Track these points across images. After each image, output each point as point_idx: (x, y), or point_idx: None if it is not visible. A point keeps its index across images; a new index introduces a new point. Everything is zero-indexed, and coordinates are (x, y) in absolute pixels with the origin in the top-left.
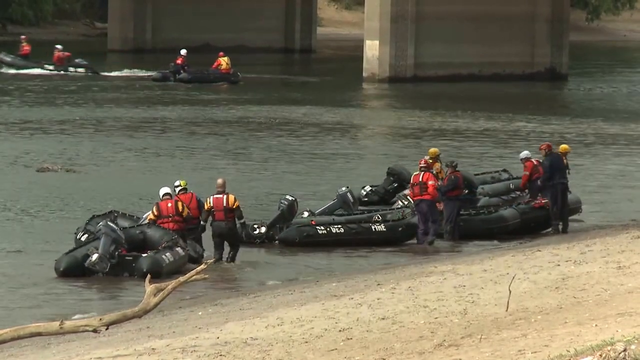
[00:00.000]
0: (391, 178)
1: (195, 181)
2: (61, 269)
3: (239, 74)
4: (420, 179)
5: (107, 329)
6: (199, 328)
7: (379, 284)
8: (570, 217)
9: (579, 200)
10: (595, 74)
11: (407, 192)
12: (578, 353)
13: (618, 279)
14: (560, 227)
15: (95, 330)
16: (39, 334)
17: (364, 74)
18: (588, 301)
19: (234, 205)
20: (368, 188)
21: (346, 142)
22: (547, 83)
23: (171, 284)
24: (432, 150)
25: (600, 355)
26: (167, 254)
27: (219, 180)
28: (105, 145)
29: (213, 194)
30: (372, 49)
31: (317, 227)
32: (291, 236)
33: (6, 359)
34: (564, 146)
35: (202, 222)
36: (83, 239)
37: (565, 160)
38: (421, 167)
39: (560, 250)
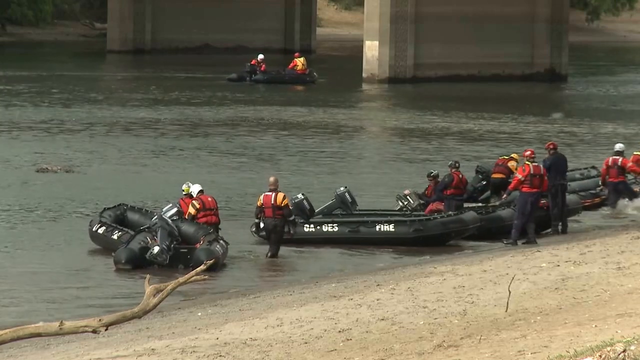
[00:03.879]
0: (480, 176)
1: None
2: (122, 261)
3: (315, 74)
4: (534, 171)
5: (106, 330)
6: (199, 329)
7: (378, 285)
8: (569, 218)
9: (578, 201)
10: (594, 74)
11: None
12: (578, 354)
13: (618, 279)
14: (560, 227)
15: (94, 331)
16: (39, 335)
17: (364, 75)
18: (588, 302)
19: (282, 203)
20: None
21: (345, 142)
22: (546, 84)
23: (170, 284)
24: (514, 155)
25: (600, 356)
26: (217, 246)
27: (271, 179)
28: (104, 146)
29: (265, 191)
30: (371, 49)
31: (304, 225)
32: None
33: (6, 359)
34: None
35: (256, 220)
36: (100, 231)
37: None
38: (530, 158)
39: (559, 250)
